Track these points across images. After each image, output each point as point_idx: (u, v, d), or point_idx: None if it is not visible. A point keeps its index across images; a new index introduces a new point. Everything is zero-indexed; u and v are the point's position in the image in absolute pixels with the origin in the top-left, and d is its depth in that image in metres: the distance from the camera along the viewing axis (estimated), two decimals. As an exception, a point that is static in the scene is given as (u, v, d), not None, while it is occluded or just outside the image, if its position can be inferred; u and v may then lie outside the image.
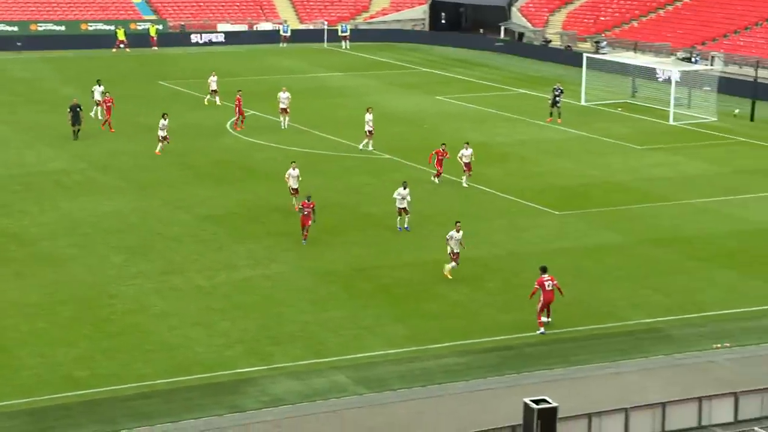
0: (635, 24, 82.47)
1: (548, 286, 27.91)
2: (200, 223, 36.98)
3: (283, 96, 52.07)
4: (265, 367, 25.53)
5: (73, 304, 29.29)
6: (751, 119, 57.07)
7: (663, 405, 22.60)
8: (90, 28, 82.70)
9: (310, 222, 34.42)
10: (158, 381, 24.70)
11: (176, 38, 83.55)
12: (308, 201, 34.49)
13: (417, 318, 28.74)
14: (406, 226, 35.59)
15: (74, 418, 23.04)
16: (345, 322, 28.32)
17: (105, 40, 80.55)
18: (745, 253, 34.72)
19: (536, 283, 28.08)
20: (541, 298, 27.95)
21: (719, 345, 27.25)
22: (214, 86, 57.98)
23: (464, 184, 41.41)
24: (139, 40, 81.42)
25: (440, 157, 41.62)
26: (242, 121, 51.27)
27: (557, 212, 38.96)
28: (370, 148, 47.31)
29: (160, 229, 36.17)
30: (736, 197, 41.21)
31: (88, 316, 28.48)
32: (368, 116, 47.27)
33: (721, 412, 22.98)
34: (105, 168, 44.38)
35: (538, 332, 27.86)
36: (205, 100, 57.94)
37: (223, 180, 42.83)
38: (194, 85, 64.54)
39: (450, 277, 31.36)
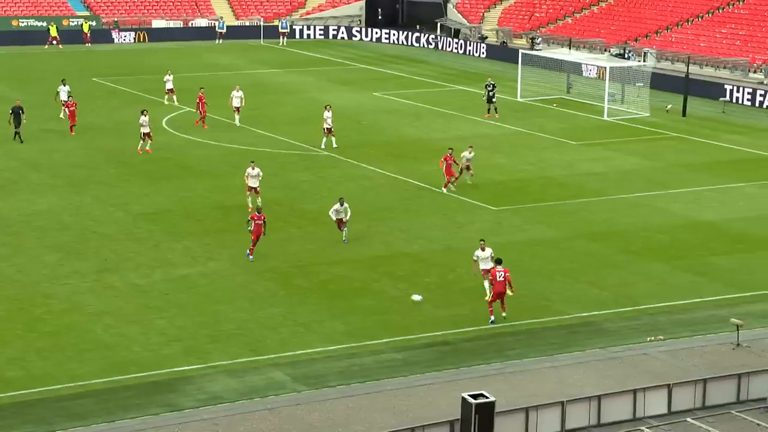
0: (569, 20, 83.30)
1: (499, 277, 27.97)
2: (135, 220, 36.61)
3: (237, 94, 51.70)
4: (203, 366, 25.34)
5: (6, 303, 28.81)
6: (683, 114, 57.93)
7: (599, 398, 22.85)
8: (22, 24, 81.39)
9: (261, 235, 32.59)
10: (94, 381, 24.40)
11: (108, 34, 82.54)
12: (259, 214, 32.89)
13: (355, 314, 28.74)
14: (344, 239, 34.59)
15: (7, 419, 22.65)
16: (283, 319, 28.23)
17: (37, 37, 79.33)
18: (676, 246, 35.23)
19: (489, 274, 28.28)
20: (492, 290, 28.08)
21: (653, 338, 27.62)
22: (170, 85, 56.96)
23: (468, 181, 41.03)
24: (71, 36, 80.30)
25: (449, 162, 40.23)
26: (203, 120, 50.14)
27: (493, 207, 39.20)
28: (335, 145, 46.79)
29: (95, 227, 35.73)
30: (668, 192, 41.81)
31: (21, 315, 28.03)
32: (327, 113, 46.90)
33: (655, 404, 23.30)
34: (37, 166, 43.72)
35: (489, 322, 27.96)
36: (165, 100, 56.93)
37: (158, 177, 42.42)
38: (128, 82, 63.83)
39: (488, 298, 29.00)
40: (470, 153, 41.28)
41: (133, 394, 23.89)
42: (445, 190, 40.26)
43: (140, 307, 28.88)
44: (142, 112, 46.46)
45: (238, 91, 52.12)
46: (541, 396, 23.53)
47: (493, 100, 55.82)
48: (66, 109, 50.33)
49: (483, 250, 29.57)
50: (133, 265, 32.06)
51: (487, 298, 28.52)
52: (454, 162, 40.59)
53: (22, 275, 30.99)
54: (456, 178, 40.68)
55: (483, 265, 29.40)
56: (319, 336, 27.28)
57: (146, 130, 45.69)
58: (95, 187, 40.64)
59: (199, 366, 25.29)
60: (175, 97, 56.84)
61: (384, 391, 24.24)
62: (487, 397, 21.05)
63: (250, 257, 32.61)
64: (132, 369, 25.02)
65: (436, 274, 31.82)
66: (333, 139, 47.09)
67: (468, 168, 41.26)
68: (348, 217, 34.38)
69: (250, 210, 36.04)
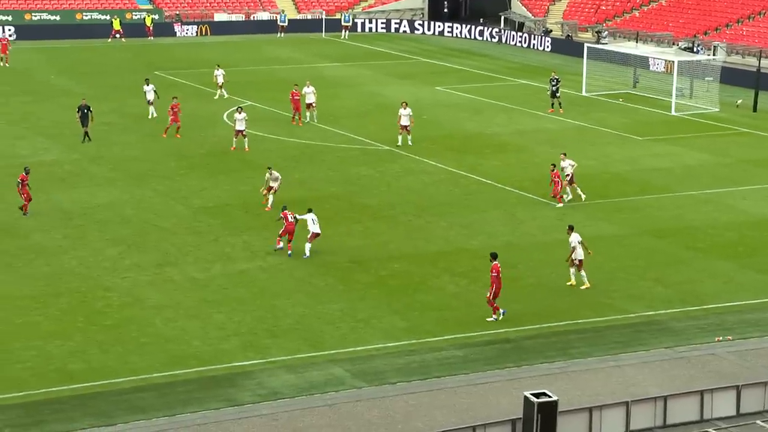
0: (637, 14, 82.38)
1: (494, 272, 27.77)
2: (195, 214, 36.93)
3: (308, 90, 50.97)
4: (262, 360, 25.50)
5: (67, 296, 29.25)
6: (754, 110, 57.01)
7: (664, 398, 22.59)
8: (85, 18, 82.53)
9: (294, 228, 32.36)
10: (154, 374, 24.67)
11: (170, 28, 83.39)
12: (286, 211, 32.67)
13: (414, 310, 28.71)
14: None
15: (68, 412, 23.00)
16: (342, 315, 28.30)
17: (100, 30, 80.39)
18: (745, 244, 34.71)
19: (493, 269, 27.75)
20: (495, 286, 27.72)
21: (720, 337, 27.24)
22: (221, 80, 57.22)
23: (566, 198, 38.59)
24: (134, 29, 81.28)
25: (554, 179, 37.99)
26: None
27: (555, 203, 38.87)
28: (410, 143, 46.33)
29: (155, 220, 36.12)
30: (737, 188, 41.19)
31: (83, 308, 28.44)
32: (403, 111, 46.43)
33: (723, 405, 22.97)
34: (98, 159, 44.32)
35: (489, 319, 27.77)
36: (217, 95, 57.21)
37: (218, 171, 42.76)
38: (189, 76, 64.46)
39: (573, 283, 30.15)
40: (564, 161, 38.57)
41: (193, 388, 24.12)
42: (560, 204, 38.20)
43: (199, 301, 29.14)
44: (237, 110, 46.43)
45: (309, 86, 51.41)
46: (604, 396, 23.33)
47: (558, 94, 55.42)
48: (168, 113, 48.01)
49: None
50: (192, 259, 32.35)
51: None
52: (558, 178, 38.06)
53: (83, 268, 31.44)
54: (560, 196, 38.29)
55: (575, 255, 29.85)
56: (379, 332, 27.30)
57: (240, 127, 45.59)
58: (156, 181, 41.08)
59: (258, 361, 25.45)
60: (225, 91, 56.98)
61: (444, 389, 24.20)
62: (549, 396, 20.92)
63: (280, 247, 32.65)
64: (191, 363, 25.25)
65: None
66: (409, 137, 46.48)
67: (572, 181, 38.50)
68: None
69: (268, 209, 36.12)
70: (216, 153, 45.66)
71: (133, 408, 23.14)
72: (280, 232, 32.86)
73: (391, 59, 74.36)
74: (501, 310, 28.12)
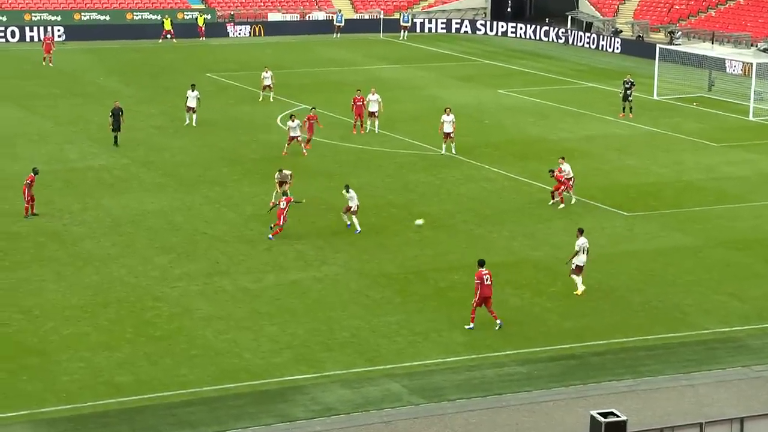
0: (712, 13, 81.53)
1: (486, 280, 27.94)
2: (247, 222, 37.21)
3: (373, 98, 50.40)
4: (316, 375, 25.60)
5: (116, 306, 29.62)
6: (837, 114, 56.17)
7: (741, 420, 22.27)
8: (135, 18, 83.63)
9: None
10: (204, 388, 24.88)
11: (223, 28, 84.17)
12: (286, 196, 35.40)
13: (475, 324, 28.62)
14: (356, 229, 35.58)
15: (115, 426, 23.28)
16: (399, 328, 28.32)
17: (151, 30, 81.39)
18: (829, 257, 34.16)
19: (476, 277, 27.90)
20: (478, 293, 27.82)
21: (801, 356, 26.84)
22: (267, 82, 57.59)
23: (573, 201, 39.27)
24: (186, 30, 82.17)
25: (558, 179, 38.59)
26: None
27: (625, 213, 38.63)
28: (453, 152, 45.97)
29: (205, 228, 36.45)
30: (820, 198, 40.58)
31: (131, 319, 28.77)
32: (446, 117, 45.91)
33: (803, 428, 22.61)
34: (148, 164, 44.83)
35: (467, 327, 27.90)
36: (260, 97, 57.71)
37: (270, 177, 42.98)
38: (242, 78, 65.00)
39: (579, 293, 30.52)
40: (564, 164, 38.80)
41: (245, 402, 24.28)
42: (562, 205, 38.68)
43: (251, 312, 29.33)
44: (290, 117, 46.76)
45: (374, 94, 50.71)
46: (676, 416, 23.10)
47: (630, 98, 55.01)
48: (303, 126, 46.93)
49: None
50: (244, 269, 32.59)
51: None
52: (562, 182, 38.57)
53: (132, 277, 31.81)
54: (561, 196, 38.76)
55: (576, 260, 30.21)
56: (438, 346, 27.28)
57: (294, 134, 45.78)
58: (206, 187, 41.46)
59: (312, 375, 25.56)
60: (272, 94, 57.18)
61: (506, 407, 24.11)
62: (618, 416, 20.75)
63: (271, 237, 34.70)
64: (243, 376, 25.43)
65: (561, 284, 31.49)
66: (452, 145, 46.31)
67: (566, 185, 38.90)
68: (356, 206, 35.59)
69: (272, 205, 36.48)
70: (269, 158, 45.94)
71: (182, 423, 23.36)
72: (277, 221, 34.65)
73: (451, 61, 74.36)
74: (498, 321, 28.12)
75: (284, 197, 35.79)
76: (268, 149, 47.60)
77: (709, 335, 28.22)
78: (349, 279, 31.86)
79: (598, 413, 20.85)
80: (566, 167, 38.99)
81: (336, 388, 24.94)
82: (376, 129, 50.46)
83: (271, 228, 35.32)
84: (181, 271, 32.27)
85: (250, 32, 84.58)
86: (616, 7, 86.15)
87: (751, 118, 55.25)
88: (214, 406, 24.11)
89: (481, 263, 28.30)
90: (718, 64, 64.52)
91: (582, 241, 30.77)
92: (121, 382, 25.09)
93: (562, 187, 38.84)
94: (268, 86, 57.46)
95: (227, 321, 28.67)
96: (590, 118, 55.08)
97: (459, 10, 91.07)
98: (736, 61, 65.10)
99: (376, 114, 50.40)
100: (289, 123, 46.10)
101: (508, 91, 62.29)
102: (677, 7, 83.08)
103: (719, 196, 40.82)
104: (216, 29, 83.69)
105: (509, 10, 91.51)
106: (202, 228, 36.45)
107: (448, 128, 45.93)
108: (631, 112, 54.87)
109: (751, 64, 58.31)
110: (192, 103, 51.35)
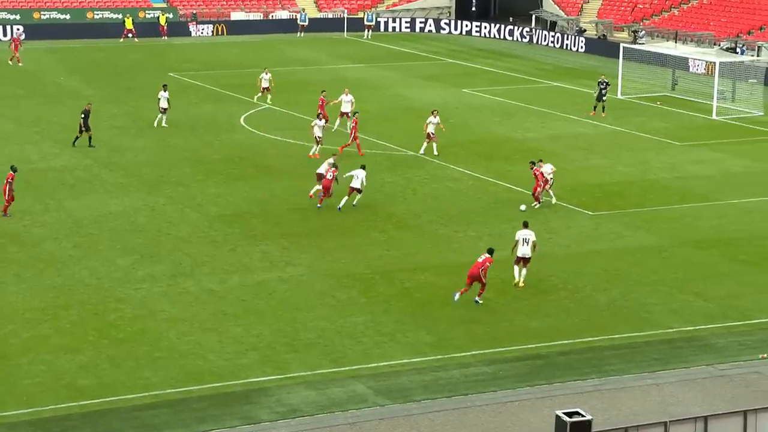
0: (675, 12, 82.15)
1: (479, 258, 29.82)
2: (211, 223, 37.10)
3: (346, 98, 50.33)
4: (281, 376, 25.58)
5: (78, 308, 29.43)
6: (800, 113, 56.75)
7: (705, 419, 22.45)
8: (96, 17, 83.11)
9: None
10: (167, 390, 24.79)
11: (185, 27, 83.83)
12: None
13: (441, 324, 28.72)
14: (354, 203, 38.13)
15: (78, 429, 23.15)
16: (365, 329, 28.34)
17: (112, 30, 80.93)
18: (792, 256, 34.52)
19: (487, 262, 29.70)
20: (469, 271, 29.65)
21: (765, 355, 27.11)
22: (266, 84, 56.37)
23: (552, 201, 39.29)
24: (147, 29, 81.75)
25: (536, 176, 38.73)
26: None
27: (590, 212, 38.86)
28: (435, 152, 45.89)
29: (169, 229, 36.30)
30: (783, 197, 40.99)
31: (94, 321, 28.60)
32: (432, 119, 46.05)
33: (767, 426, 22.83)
34: (110, 165, 44.58)
35: (454, 297, 29.62)
36: (255, 98, 57.00)
37: (235, 177, 42.94)
38: (205, 77, 64.77)
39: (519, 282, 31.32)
40: (544, 167, 39.07)
41: (209, 404, 24.21)
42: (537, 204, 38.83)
43: (215, 313, 29.25)
44: (318, 116, 46.51)
45: (347, 94, 50.61)
46: (641, 415, 23.26)
47: (604, 98, 55.29)
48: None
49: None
50: (208, 270, 32.49)
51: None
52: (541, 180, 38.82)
53: (94, 279, 31.63)
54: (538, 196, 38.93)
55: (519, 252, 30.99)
56: (404, 347, 27.33)
57: (319, 133, 45.50)
58: (169, 188, 41.28)
59: (277, 377, 25.53)
60: (269, 97, 56.71)
61: (472, 407, 24.19)
62: (583, 416, 20.85)
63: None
64: (207, 378, 25.36)
65: (527, 283, 31.61)
66: (435, 145, 46.13)
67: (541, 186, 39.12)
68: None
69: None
70: (233, 159, 45.84)
71: (146, 426, 23.25)
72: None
73: (416, 60, 74.47)
74: (458, 295, 29.60)
75: (333, 169, 37.93)
76: (232, 149, 47.47)
77: (674, 334, 28.44)
78: (315, 280, 31.84)
79: (564, 413, 20.93)
80: (548, 167, 38.92)
81: (301, 390, 24.93)
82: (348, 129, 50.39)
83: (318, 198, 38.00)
84: (144, 273, 32.12)
85: (212, 31, 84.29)
86: (580, 6, 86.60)
87: (714, 117, 55.72)
88: (178, 409, 24.03)
89: (490, 251, 30.05)
90: (682, 63, 64.99)
91: (522, 233, 31.25)
92: (83, 385, 24.94)
93: (539, 189, 38.65)
94: (266, 88, 56.58)
95: (191, 323, 28.58)
96: (555, 118, 55.34)
97: (423, 9, 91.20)
98: (699, 60, 65.59)
99: (348, 115, 50.29)
100: (316, 122, 45.83)
101: (473, 91, 62.47)
102: (641, 6, 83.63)
103: (684, 196, 41.14)
104: (178, 28, 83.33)
105: (474, 9, 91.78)
106: (166, 229, 36.29)
107: (431, 129, 45.93)
108: (603, 111, 55.14)
109: (714, 63, 58.80)
110: (164, 103, 50.94)
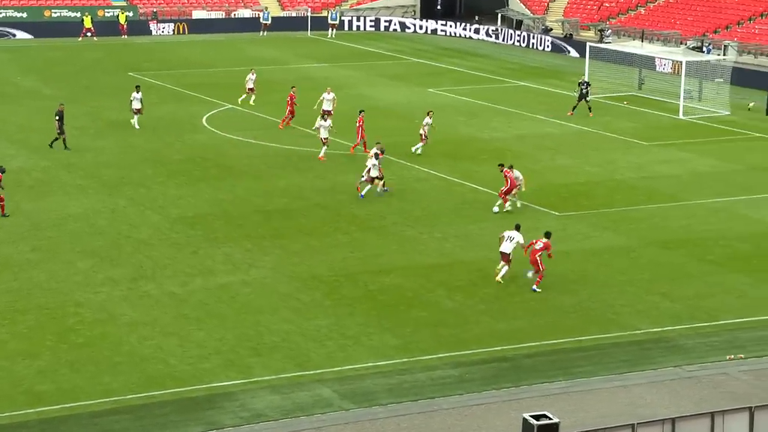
0: (642, 11, 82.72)
1: (538, 245, 30.93)
2: (172, 225, 36.94)
3: (328, 97, 50.62)
4: (244, 381, 25.50)
5: (36, 312, 29.20)
6: (767, 113, 57.24)
7: (673, 420, 22.60)
8: (54, 15, 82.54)
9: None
10: (128, 396, 24.64)
11: (145, 26, 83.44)
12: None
13: (407, 327, 28.75)
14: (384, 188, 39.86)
15: (37, 436, 22.97)
16: (329, 332, 28.32)
17: (70, 28, 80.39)
18: (759, 256, 34.82)
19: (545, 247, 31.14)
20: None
21: (732, 356, 27.32)
22: (251, 84, 56.15)
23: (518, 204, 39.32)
24: (107, 27, 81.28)
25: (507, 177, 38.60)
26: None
27: (557, 213, 39.02)
28: (419, 152, 46.21)
29: (130, 231, 36.11)
30: (750, 197, 41.33)
31: (52, 325, 28.39)
32: (427, 119, 46.41)
33: (735, 428, 22.99)
34: (69, 166, 44.29)
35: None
36: (240, 99, 56.74)
37: (197, 179, 42.78)
38: (167, 77, 64.49)
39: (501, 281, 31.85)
40: (513, 172, 38.97)
41: (171, 410, 24.10)
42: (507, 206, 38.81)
43: (178, 317, 29.12)
44: (322, 117, 46.43)
45: (329, 93, 50.99)
46: (609, 417, 23.37)
47: (587, 99, 55.51)
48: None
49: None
50: (170, 273, 32.34)
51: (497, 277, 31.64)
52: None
53: (53, 282, 31.40)
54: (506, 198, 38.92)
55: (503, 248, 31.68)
56: (369, 350, 27.32)
57: (324, 135, 45.49)
58: (130, 189, 41.07)
59: (241, 381, 25.45)
60: (253, 97, 56.25)
61: (438, 411, 24.22)
62: (550, 419, 20.92)
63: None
64: (169, 383, 25.23)
65: (494, 285, 31.73)
66: (420, 146, 46.11)
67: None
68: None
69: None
70: (195, 160, 45.67)
71: (107, 432, 23.13)
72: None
73: (381, 59, 74.53)
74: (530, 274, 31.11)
75: (380, 153, 39.78)
76: (194, 150, 47.29)
77: (642, 336, 28.61)
78: (278, 282, 31.78)
79: (531, 416, 21.00)
80: (516, 173, 38.80)
81: (265, 394, 24.86)
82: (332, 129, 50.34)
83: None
84: (104, 276, 31.93)
85: (173, 30, 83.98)
86: (546, 4, 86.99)
87: (681, 116, 56.13)
88: (139, 415, 23.90)
89: (547, 235, 31.53)
90: (648, 62, 65.45)
91: (510, 233, 31.91)
92: (41, 391, 24.75)
93: (514, 190, 38.65)
94: (251, 89, 56.15)
95: (152, 326, 28.44)
96: (522, 117, 55.55)
97: (388, 7, 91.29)
98: (665, 59, 66.09)
99: (331, 112, 50.36)
100: (321, 123, 45.76)
101: (439, 90, 62.59)
102: (607, 5, 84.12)
103: (651, 196, 41.40)
104: (138, 27, 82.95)
105: (439, 7, 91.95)
106: (126, 231, 36.10)
107: (422, 131, 45.72)
108: (591, 111, 55.33)
109: (681, 62, 59.23)
110: (137, 104, 50.57)
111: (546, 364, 26.76)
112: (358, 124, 46.71)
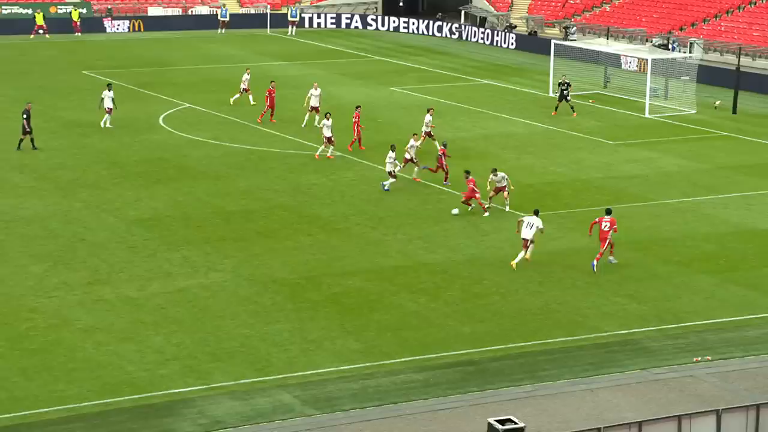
0: (607, 8, 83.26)
1: (604, 227, 33.27)
2: (129, 227, 36.76)
3: (315, 93, 50.83)
4: (203, 387, 25.42)
5: (-12, 318, 28.98)
6: (734, 111, 57.79)
7: (639, 424, 22.76)
8: (5, 12, 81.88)
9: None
10: (84, 403, 24.50)
11: (100, 23, 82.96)
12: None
13: (370, 330, 28.77)
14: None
15: (-11, 445, 22.80)
16: (291, 336, 28.29)
17: (22, 25, 79.76)
18: (726, 257, 35.13)
19: (598, 220, 33.55)
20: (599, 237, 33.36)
21: (700, 358, 27.54)
22: (245, 85, 55.89)
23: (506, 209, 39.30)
24: (60, 24, 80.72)
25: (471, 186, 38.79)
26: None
27: (523, 214, 39.11)
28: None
29: (85, 234, 35.90)
30: (717, 197, 41.70)
31: (4, 331, 28.17)
32: (428, 117, 46.58)
33: (703, 431, 23.20)
34: (22, 167, 43.97)
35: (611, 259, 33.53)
36: (232, 99, 56.17)
37: (154, 180, 42.59)
38: (122, 75, 64.14)
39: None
40: (497, 175, 39.17)
41: (127, 418, 23.98)
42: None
43: (135, 322, 28.99)
44: (325, 116, 46.23)
45: (316, 89, 51.11)
46: (575, 422, 23.50)
47: (568, 99, 55.73)
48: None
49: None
50: (126, 277, 32.19)
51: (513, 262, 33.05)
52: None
53: (5, 287, 31.16)
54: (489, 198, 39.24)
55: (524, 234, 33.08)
56: (331, 354, 27.32)
57: (328, 133, 45.37)
58: (85, 191, 40.83)
59: (200, 387, 25.37)
60: (251, 97, 55.79)
61: (402, 416, 24.25)
62: (516, 423, 21.01)
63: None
64: (126, 390, 25.12)
65: (459, 287, 31.83)
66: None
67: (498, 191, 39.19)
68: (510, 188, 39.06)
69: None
70: (152, 160, 45.47)
71: (62, 441, 22.99)
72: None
73: (342, 57, 74.52)
74: (610, 258, 33.46)
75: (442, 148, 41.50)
76: (152, 150, 47.09)
77: (608, 338, 28.78)
78: (239, 285, 31.71)
79: (496, 420, 21.07)
80: (501, 174, 38.92)
81: (225, 400, 24.80)
82: (317, 123, 50.29)
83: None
84: (58, 280, 31.72)
85: (129, 27, 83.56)
86: (510, 1, 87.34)
87: (647, 115, 56.53)
88: (95, 423, 23.77)
89: (607, 211, 33.88)
90: (614, 60, 65.86)
91: (530, 218, 33.46)
92: (-6, 400, 24.58)
93: (490, 196, 38.84)
94: (246, 89, 55.85)
95: (108, 332, 28.29)
96: (487, 117, 55.74)
97: (349, 4, 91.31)
98: (631, 57, 66.54)
99: (318, 109, 50.42)
100: (324, 122, 45.75)
101: (402, 89, 62.68)
102: (572, 1, 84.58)
103: (617, 196, 41.65)
104: (92, 24, 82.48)
105: (401, 4, 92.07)
106: (81, 234, 35.89)
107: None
108: (573, 111, 55.54)
109: (647, 60, 59.66)
110: (109, 103, 50.32)
111: (512, 368, 26.87)
112: (354, 120, 47.00)
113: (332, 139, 45.60)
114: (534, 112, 56.34)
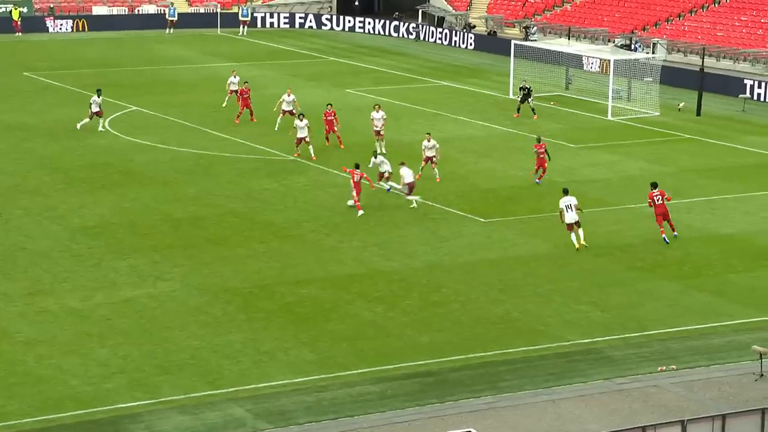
0: (568, 7, 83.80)
1: (657, 200, 35.94)
2: (73, 235, 36.51)
3: (288, 99, 50.81)
4: (151, 401, 25.28)
5: (-76, 331, 28.66)
6: (698, 114, 58.30)
7: (602, 435, 22.93)
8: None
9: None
10: (25, 420, 24.28)
11: (41, 22, 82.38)
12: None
13: (325, 341, 28.74)
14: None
15: (-75, 464, 22.54)
16: (243, 347, 28.20)
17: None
18: (690, 263, 35.41)
19: (648, 197, 36.53)
20: (654, 212, 36.03)
21: (664, 367, 27.73)
22: (234, 87, 55.70)
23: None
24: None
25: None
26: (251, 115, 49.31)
27: (482, 219, 39.31)
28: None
29: (25, 242, 35.61)
30: (681, 201, 42.00)
31: (-58, 345, 27.89)
32: (426, 143, 45.43)
33: (668, 441, 23.37)
34: (-40, 173, 43.57)
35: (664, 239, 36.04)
36: (225, 102, 55.97)
37: (99, 186, 42.34)
38: (65, 77, 63.70)
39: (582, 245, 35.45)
40: (430, 142, 43.11)
41: (71, 434, 23.81)
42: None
43: (79, 334, 28.78)
44: (298, 117, 46.34)
45: (289, 95, 51.05)
46: (537, 433, 23.58)
47: (529, 100, 55.95)
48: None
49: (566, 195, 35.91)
50: (70, 287, 31.97)
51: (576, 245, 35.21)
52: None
53: (-58, 298, 30.85)
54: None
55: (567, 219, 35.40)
56: (285, 366, 27.27)
57: (302, 134, 45.43)
58: (25, 198, 40.51)
59: (147, 401, 25.23)
60: (227, 99, 55.63)
61: (359, 429, 24.24)
62: (476, 435, 21.08)
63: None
64: (69, 406, 24.93)
65: (417, 296, 31.87)
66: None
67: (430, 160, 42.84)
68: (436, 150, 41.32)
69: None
70: (97, 165, 45.20)
71: (2, 459, 22.78)
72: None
73: (296, 58, 74.47)
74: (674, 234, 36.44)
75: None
76: (96, 155, 46.80)
77: (571, 347, 28.90)
78: (188, 295, 31.57)
79: (456, 433, 21.15)
80: (432, 141, 42.43)
81: (174, 415, 24.68)
82: (276, 127, 50.63)
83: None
84: (-2, 291, 31.46)
85: (72, 27, 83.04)
86: (468, 1, 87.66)
87: (609, 117, 56.91)
88: (38, 440, 23.59)
89: (653, 185, 36.49)
90: (575, 61, 66.25)
91: (565, 200, 35.73)
92: (-70, 417, 24.30)
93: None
94: (235, 91, 55.56)
95: (51, 345, 28.07)
96: (445, 119, 55.89)
97: (302, 3, 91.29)
98: (593, 57, 66.97)
99: (294, 113, 50.28)
100: (297, 122, 45.93)
101: (357, 90, 62.73)
102: (532, 1, 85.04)
103: (579, 200, 41.58)
104: (33, 23, 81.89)
105: (357, 3, 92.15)
106: (22, 243, 35.60)
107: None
108: (534, 113, 55.72)
109: (609, 61, 60.07)
110: (96, 108, 50.16)
111: (472, 379, 26.92)
112: (329, 119, 47.76)
113: (306, 139, 45.72)
114: (493, 115, 56.56)
